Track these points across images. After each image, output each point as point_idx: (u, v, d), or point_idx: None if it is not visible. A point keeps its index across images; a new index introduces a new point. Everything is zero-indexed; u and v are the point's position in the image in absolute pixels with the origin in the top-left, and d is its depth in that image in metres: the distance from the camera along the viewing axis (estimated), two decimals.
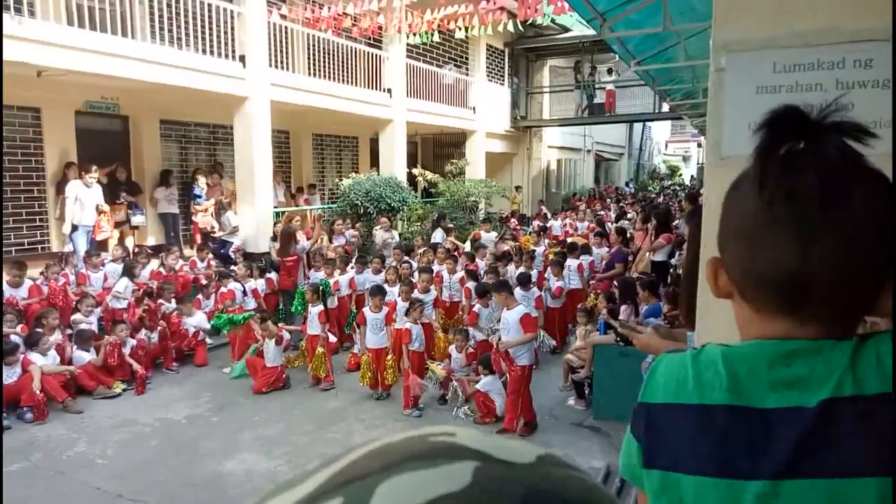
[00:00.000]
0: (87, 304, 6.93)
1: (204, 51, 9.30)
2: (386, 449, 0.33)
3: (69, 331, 6.74)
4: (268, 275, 8.41)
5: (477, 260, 8.88)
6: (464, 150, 17.02)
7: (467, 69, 17.16)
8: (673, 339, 2.18)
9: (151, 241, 10.68)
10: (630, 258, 8.83)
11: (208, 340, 7.66)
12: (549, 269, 8.30)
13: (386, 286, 7.11)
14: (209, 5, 9.31)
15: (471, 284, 7.54)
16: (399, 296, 6.72)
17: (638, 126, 31.66)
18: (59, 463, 4.95)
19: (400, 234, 11.24)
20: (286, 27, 10.95)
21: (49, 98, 9.17)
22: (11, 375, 5.78)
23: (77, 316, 6.88)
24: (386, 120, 13.59)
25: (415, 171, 14.10)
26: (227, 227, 10.07)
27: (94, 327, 6.92)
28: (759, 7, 1.84)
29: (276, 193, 12.03)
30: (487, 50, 17.59)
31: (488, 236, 11.01)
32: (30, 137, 9.36)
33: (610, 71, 19.77)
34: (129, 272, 7.61)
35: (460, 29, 11.67)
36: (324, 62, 11.70)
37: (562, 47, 19.17)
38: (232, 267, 8.70)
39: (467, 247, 10.07)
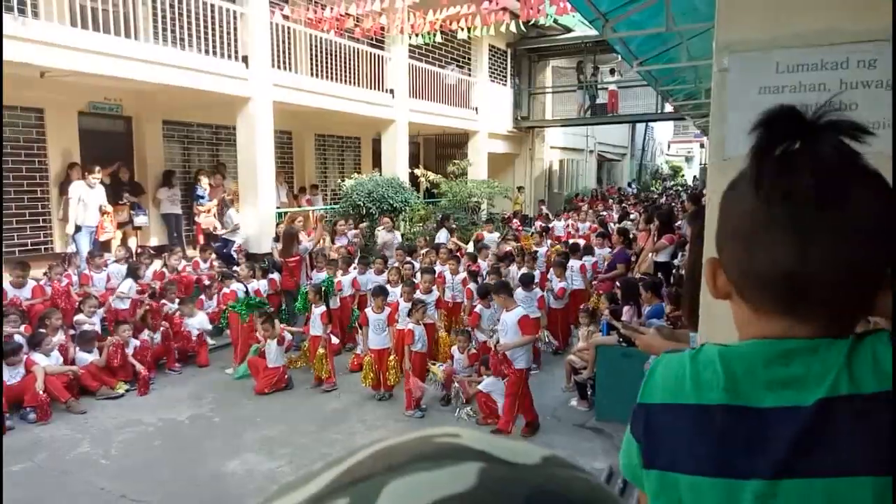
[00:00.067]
0: (90, 305, 6.94)
1: (207, 51, 9.32)
2: (391, 450, 0.33)
3: (72, 331, 6.75)
4: (270, 275, 8.42)
5: (479, 260, 8.88)
6: (466, 151, 17.02)
7: (470, 70, 17.16)
8: (676, 340, 2.18)
9: (154, 241, 10.70)
10: (633, 259, 8.82)
11: (210, 341, 7.68)
12: (551, 269, 8.28)
13: (388, 287, 7.11)
14: (212, 6, 9.32)
15: (472, 285, 7.55)
16: (401, 296, 6.72)
17: (640, 126, 31.62)
18: (63, 463, 4.96)
19: (402, 235, 11.24)
20: (289, 28, 10.96)
21: (52, 99, 9.20)
22: (15, 376, 5.79)
23: (80, 316, 6.89)
24: (388, 120, 13.60)
25: (417, 171, 14.10)
26: (230, 224, 10.10)
27: (98, 328, 6.94)
28: (762, 7, 1.84)
29: (279, 194, 12.04)
30: (490, 50, 17.59)
31: (491, 237, 11.00)
32: (33, 138, 9.39)
33: (612, 71, 19.76)
34: (133, 273, 7.63)
35: (463, 29, 11.67)
36: (326, 63, 11.71)
37: (564, 48, 19.15)
38: (234, 267, 8.71)
39: (470, 247, 10.07)
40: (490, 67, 17.74)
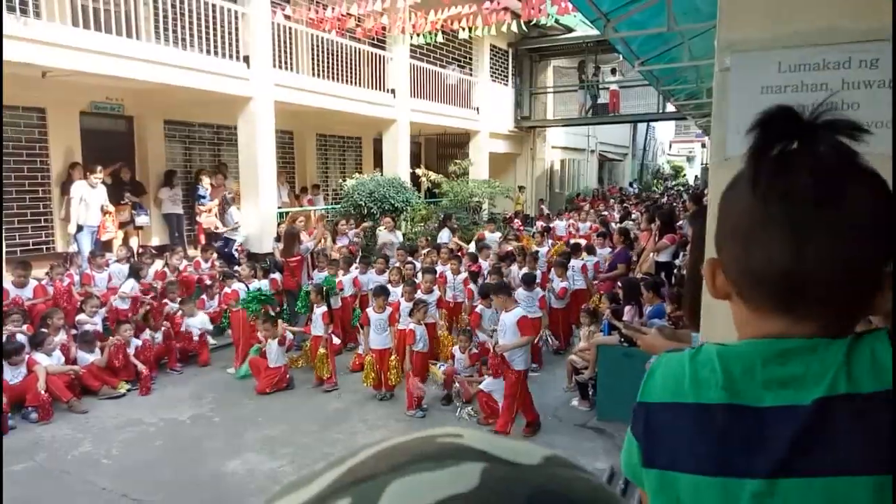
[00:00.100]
0: (92, 305, 6.95)
1: (208, 51, 9.33)
2: (393, 450, 0.33)
3: (74, 331, 6.76)
4: (272, 275, 8.43)
5: (480, 260, 8.88)
6: (467, 151, 17.02)
7: (471, 69, 17.16)
8: (678, 340, 2.18)
9: (156, 241, 10.71)
10: (634, 259, 8.82)
11: (212, 341, 7.68)
12: (552, 269, 8.28)
13: (389, 287, 7.11)
14: (213, 6, 9.33)
15: (473, 285, 7.54)
16: (402, 296, 6.72)
17: (642, 126, 31.61)
18: (64, 463, 4.97)
19: (403, 235, 11.24)
20: (290, 28, 10.97)
21: (54, 99, 9.21)
22: (17, 375, 5.80)
23: (82, 316, 6.90)
24: (389, 120, 13.61)
25: (418, 171, 14.10)
26: (231, 222, 10.10)
27: (99, 327, 6.95)
28: (764, 7, 1.84)
29: (280, 194, 12.05)
30: (491, 50, 17.60)
31: (492, 236, 11.00)
32: (35, 138, 9.40)
33: (614, 71, 19.76)
34: (135, 273, 7.64)
35: (464, 29, 11.68)
36: (328, 63, 11.72)
37: (565, 47, 19.15)
38: (236, 267, 8.72)
39: (472, 247, 10.06)
40: (491, 67, 17.74)
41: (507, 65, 18.91)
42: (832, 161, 0.74)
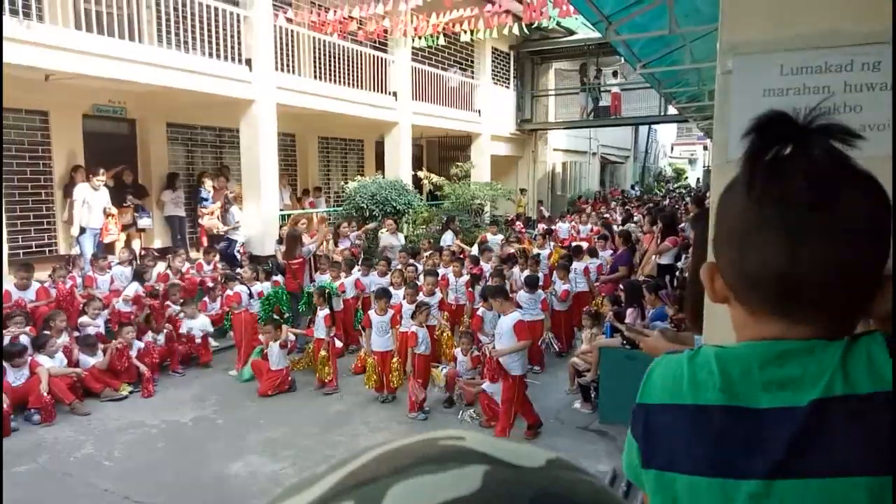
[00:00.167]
0: (94, 307, 6.96)
1: (210, 54, 9.35)
2: (395, 452, 0.33)
3: (76, 333, 6.77)
4: (274, 277, 8.43)
5: (482, 263, 8.88)
6: (469, 153, 17.03)
7: (472, 72, 17.19)
8: (680, 343, 2.17)
9: (158, 243, 10.73)
10: (636, 261, 8.81)
11: (214, 343, 7.69)
12: (555, 272, 8.28)
13: (391, 289, 7.11)
14: (216, 9, 9.36)
15: (475, 288, 7.53)
16: (404, 298, 6.72)
17: (643, 129, 31.62)
18: (67, 465, 4.97)
19: (405, 237, 11.25)
20: (292, 31, 10.99)
21: (57, 101, 9.24)
22: (20, 377, 5.81)
23: (84, 318, 6.91)
24: (391, 123, 13.62)
25: (420, 173, 14.11)
26: (232, 222, 10.11)
27: (102, 330, 6.96)
28: (766, 9, 1.84)
29: (282, 196, 12.07)
30: (493, 53, 17.62)
31: (494, 239, 11.00)
32: (38, 141, 9.43)
33: (615, 73, 19.76)
34: (139, 277, 7.65)
35: (465, 32, 11.69)
36: (330, 66, 11.74)
37: (567, 50, 19.16)
38: (238, 269, 8.73)
39: (475, 250, 10.06)
40: (493, 70, 17.77)
41: (509, 67, 18.93)
42: (826, 165, 0.75)
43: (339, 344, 7.24)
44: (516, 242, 11.35)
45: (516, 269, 8.58)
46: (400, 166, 13.68)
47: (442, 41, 12.15)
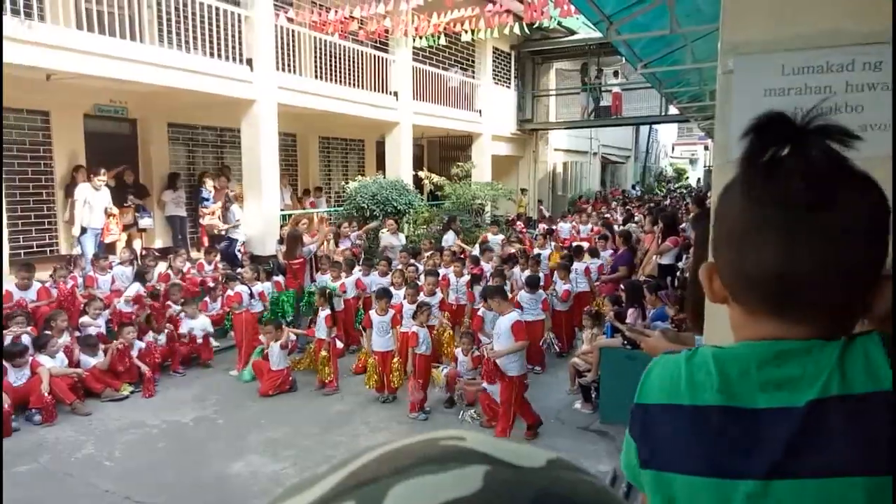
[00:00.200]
0: (95, 307, 6.96)
1: (212, 54, 9.36)
2: (396, 453, 0.33)
3: (77, 333, 6.77)
4: (275, 277, 8.44)
5: (482, 263, 8.88)
6: (470, 153, 17.03)
7: (473, 72, 17.19)
8: (681, 343, 2.17)
9: (159, 243, 10.73)
10: (637, 261, 8.81)
11: (215, 343, 7.69)
12: (555, 272, 8.27)
13: (392, 289, 7.11)
14: (217, 9, 9.36)
15: (475, 288, 7.53)
16: (405, 299, 6.72)
17: (644, 129, 31.59)
18: (68, 465, 4.97)
19: (406, 237, 11.25)
20: (293, 31, 10.99)
21: (58, 101, 9.24)
22: (21, 377, 5.82)
23: (85, 318, 6.91)
24: (392, 123, 13.62)
25: (421, 173, 14.11)
26: (232, 220, 10.12)
27: (103, 330, 6.96)
28: (768, 9, 1.84)
29: (283, 196, 12.07)
30: (493, 53, 17.61)
31: (494, 238, 11.00)
32: (39, 141, 9.43)
33: (616, 73, 19.75)
34: (141, 278, 7.65)
35: (466, 32, 11.68)
36: (330, 65, 11.74)
37: (568, 50, 19.16)
38: (238, 269, 8.73)
39: (476, 250, 10.07)
40: (494, 70, 17.76)
41: (510, 67, 18.92)
42: (823, 165, 0.75)
43: (339, 345, 7.24)
44: (517, 242, 11.34)
45: (517, 269, 8.58)
46: (401, 166, 13.68)
47: (443, 41, 12.16)
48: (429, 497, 0.29)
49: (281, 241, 9.68)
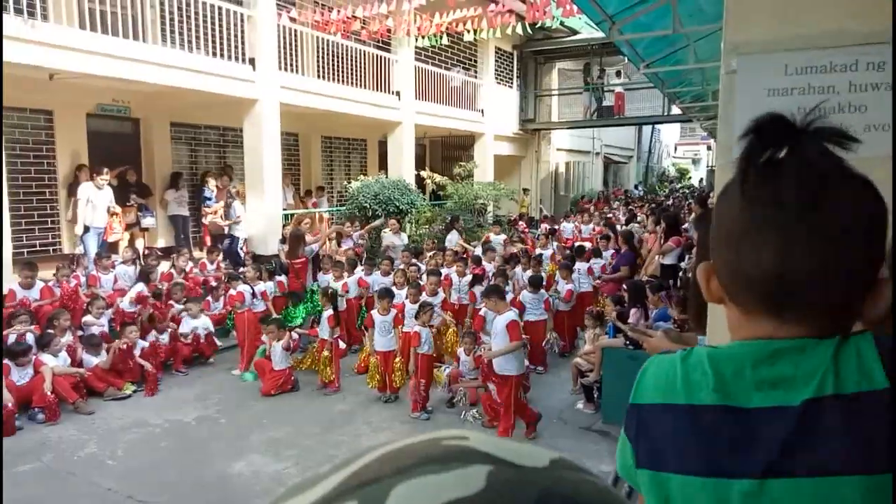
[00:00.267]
0: (98, 306, 6.97)
1: (214, 54, 9.37)
2: (399, 452, 0.33)
3: (80, 332, 6.78)
4: (277, 277, 8.44)
5: (484, 262, 8.87)
6: (472, 153, 17.03)
7: (476, 72, 17.18)
8: (684, 343, 2.17)
9: (161, 243, 10.75)
10: (640, 261, 8.80)
11: (218, 343, 7.69)
12: (558, 272, 8.26)
13: (394, 289, 7.11)
14: (219, 9, 9.37)
15: (477, 288, 7.53)
16: (407, 298, 6.72)
17: (647, 129, 31.57)
18: (71, 463, 4.98)
19: (409, 237, 11.25)
20: (296, 30, 11.00)
21: (61, 101, 9.26)
22: (24, 376, 5.83)
23: (88, 318, 6.92)
24: (394, 122, 13.62)
25: (423, 173, 14.10)
26: (233, 217, 10.14)
27: (105, 329, 6.97)
28: (771, 9, 1.83)
29: (285, 195, 12.08)
30: (496, 52, 17.61)
31: (496, 238, 11.00)
32: (42, 140, 9.46)
33: (619, 73, 19.76)
34: (144, 277, 7.66)
35: (469, 32, 11.69)
36: (333, 65, 11.75)
37: (570, 50, 19.15)
38: (241, 269, 8.74)
39: (478, 250, 10.06)
40: (496, 70, 17.76)
41: (512, 67, 18.92)
42: (819, 167, 0.76)
43: (342, 345, 7.24)
44: (519, 242, 11.34)
45: (519, 269, 8.58)
46: (403, 166, 13.68)
47: (445, 41, 12.16)
48: (431, 497, 0.29)
49: (283, 241, 9.69)
